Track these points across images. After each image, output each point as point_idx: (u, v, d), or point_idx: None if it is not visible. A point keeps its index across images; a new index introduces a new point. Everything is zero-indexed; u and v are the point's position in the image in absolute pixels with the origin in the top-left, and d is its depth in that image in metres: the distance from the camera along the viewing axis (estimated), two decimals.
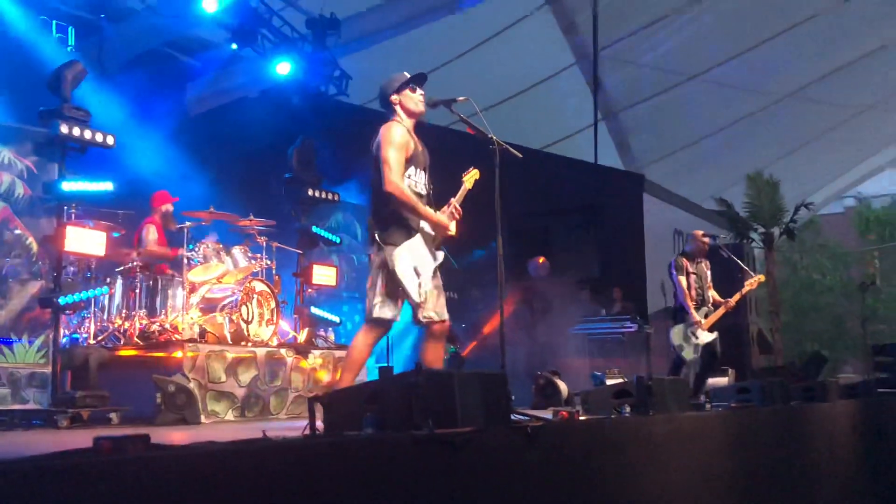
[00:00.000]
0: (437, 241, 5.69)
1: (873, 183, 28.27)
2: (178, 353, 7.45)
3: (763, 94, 16.93)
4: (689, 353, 9.36)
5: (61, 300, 7.19)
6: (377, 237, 5.49)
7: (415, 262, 5.45)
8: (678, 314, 9.60)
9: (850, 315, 27.28)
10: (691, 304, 9.45)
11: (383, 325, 5.49)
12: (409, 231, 5.50)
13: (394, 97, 5.65)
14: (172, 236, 9.15)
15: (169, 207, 9.27)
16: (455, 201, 5.69)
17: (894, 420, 9.46)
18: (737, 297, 9.74)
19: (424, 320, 5.56)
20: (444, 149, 6.07)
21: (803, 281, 29.15)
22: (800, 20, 15.02)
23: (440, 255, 5.65)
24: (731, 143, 18.25)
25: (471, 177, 5.76)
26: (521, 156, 5.66)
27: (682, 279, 9.51)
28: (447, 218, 5.66)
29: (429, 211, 5.55)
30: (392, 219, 5.49)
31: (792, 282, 28.50)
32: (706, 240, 9.85)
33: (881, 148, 21.64)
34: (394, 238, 5.45)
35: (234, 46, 10.84)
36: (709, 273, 9.79)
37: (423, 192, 5.65)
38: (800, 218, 18.44)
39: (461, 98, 5.60)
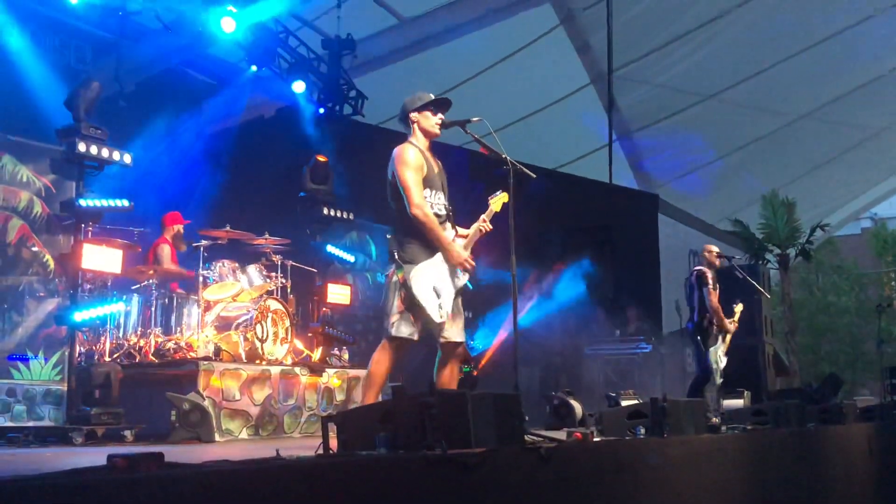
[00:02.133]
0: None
1: (890, 204, 28.14)
2: (193, 371, 7.47)
3: (778, 114, 16.89)
4: (718, 377, 9.29)
5: (76, 317, 7.22)
6: (396, 256, 5.49)
7: (434, 281, 5.43)
8: (706, 333, 9.34)
9: (866, 337, 27.14)
10: (724, 321, 9.32)
11: (401, 344, 5.47)
12: (430, 250, 5.49)
13: (413, 115, 5.67)
14: (181, 256, 9.22)
15: (180, 228, 9.34)
16: (486, 216, 5.69)
17: None
18: (734, 321, 9.66)
19: (442, 341, 5.55)
20: (457, 169, 6.07)
21: (819, 302, 29.03)
22: (815, 41, 15.01)
23: (464, 276, 5.63)
24: (746, 163, 18.21)
25: (498, 200, 5.70)
26: (534, 176, 5.66)
27: (715, 295, 9.32)
28: (473, 234, 5.65)
29: (447, 241, 5.52)
30: (413, 237, 5.49)
31: (808, 303, 28.40)
32: (717, 255, 9.66)
33: None
34: (413, 256, 5.45)
35: (254, 68, 10.90)
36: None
37: (443, 212, 5.65)
38: (816, 239, 18.40)
39: (475, 118, 5.60)
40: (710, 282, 9.36)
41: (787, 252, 17.64)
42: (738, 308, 9.86)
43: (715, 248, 9.80)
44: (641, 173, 17.75)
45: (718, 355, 9.29)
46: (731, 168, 18.23)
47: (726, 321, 9.34)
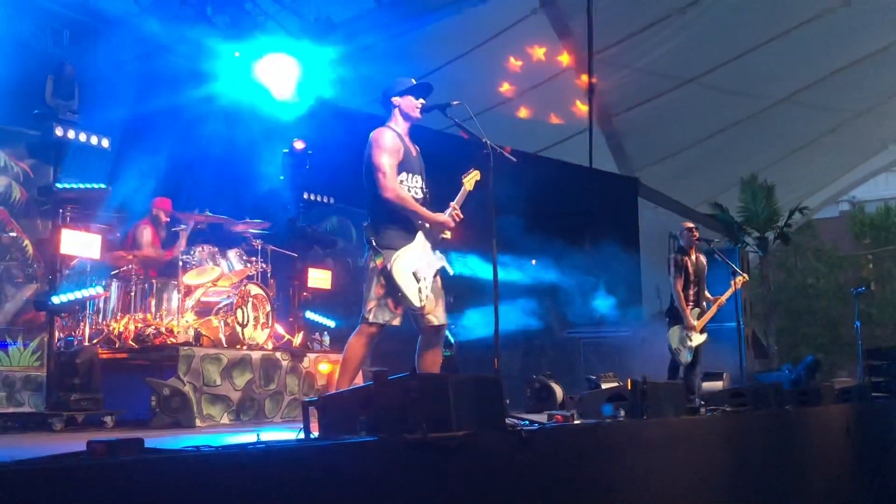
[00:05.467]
0: (436, 244, 5.69)
1: (868, 187, 28.33)
2: (174, 356, 7.44)
3: (757, 98, 16.94)
4: (684, 357, 9.36)
5: (55, 301, 7.17)
6: (373, 241, 5.50)
7: (415, 266, 5.45)
8: (674, 314, 9.53)
9: (844, 319, 27.34)
10: (687, 308, 9.43)
11: (378, 329, 5.49)
12: (409, 235, 5.51)
13: (395, 98, 5.69)
14: (162, 242, 9.18)
15: (163, 213, 9.30)
16: (455, 204, 5.70)
17: (888, 424, 9.49)
18: (726, 294, 9.72)
19: (424, 325, 5.57)
20: (437, 153, 6.07)
21: (798, 285, 29.23)
22: (794, 25, 15.04)
23: (441, 258, 5.66)
24: (725, 147, 18.25)
25: (471, 178, 5.74)
26: (515, 160, 5.67)
27: (680, 280, 9.48)
28: (447, 219, 5.67)
29: (428, 212, 5.57)
30: (389, 223, 5.50)
31: (787, 286, 28.59)
32: (694, 230, 9.83)
33: (875, 152, 21.65)
34: (391, 242, 5.47)
35: (237, 54, 10.83)
36: (706, 268, 9.76)
37: (420, 196, 5.66)
38: (794, 222, 18.52)
39: (455, 102, 5.61)
40: (674, 269, 9.54)
41: (765, 235, 17.75)
42: (736, 282, 9.87)
43: (691, 224, 9.97)
44: (621, 157, 17.77)
45: (682, 336, 9.39)
46: (711, 151, 18.27)
47: (690, 316, 9.44)
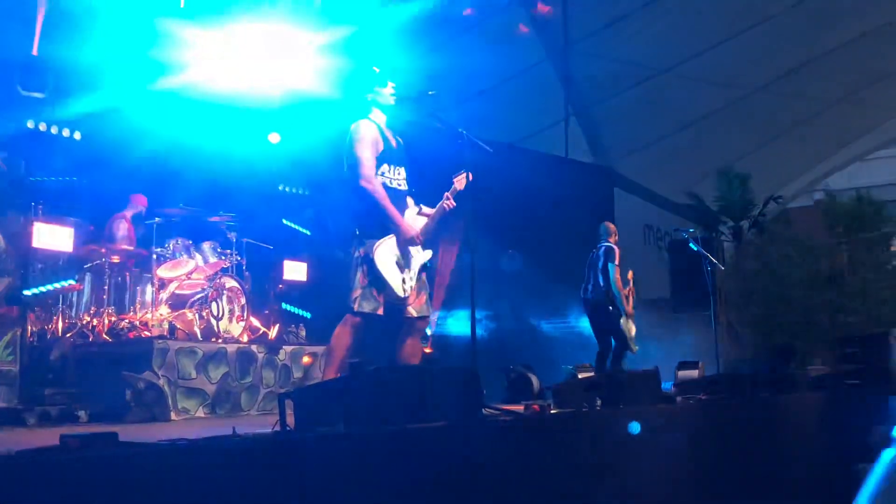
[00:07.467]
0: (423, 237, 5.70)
1: (842, 176, 28.53)
2: (148, 350, 7.40)
3: (733, 87, 16.99)
4: (633, 345, 9.72)
5: (27, 294, 7.11)
6: (357, 231, 5.50)
7: (397, 255, 5.46)
8: (615, 304, 9.80)
9: (818, 307, 27.51)
10: (624, 296, 9.79)
11: (364, 319, 5.47)
12: (392, 226, 5.51)
13: (368, 96, 5.69)
14: (138, 236, 9.13)
15: (142, 209, 9.24)
16: (449, 194, 5.71)
17: (861, 411, 9.57)
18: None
19: (406, 316, 5.57)
20: (413, 144, 6.06)
21: (773, 274, 29.38)
22: (769, 15, 15.10)
23: (427, 252, 5.67)
24: (701, 137, 18.30)
25: (462, 178, 5.76)
26: (490, 150, 5.67)
27: (618, 269, 9.82)
28: (437, 211, 5.68)
29: (396, 214, 5.55)
30: (373, 214, 5.50)
31: (761, 275, 28.74)
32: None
33: (850, 142, 21.82)
34: (375, 231, 5.46)
35: (214, 44, 10.73)
36: None
37: (404, 187, 5.66)
38: (769, 211, 18.62)
39: (430, 92, 5.60)
40: (614, 260, 10.02)
41: (740, 224, 17.84)
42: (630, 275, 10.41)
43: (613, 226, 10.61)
44: (598, 147, 17.78)
45: (630, 324, 9.72)
46: (687, 141, 18.32)
47: (624, 294, 9.80)
